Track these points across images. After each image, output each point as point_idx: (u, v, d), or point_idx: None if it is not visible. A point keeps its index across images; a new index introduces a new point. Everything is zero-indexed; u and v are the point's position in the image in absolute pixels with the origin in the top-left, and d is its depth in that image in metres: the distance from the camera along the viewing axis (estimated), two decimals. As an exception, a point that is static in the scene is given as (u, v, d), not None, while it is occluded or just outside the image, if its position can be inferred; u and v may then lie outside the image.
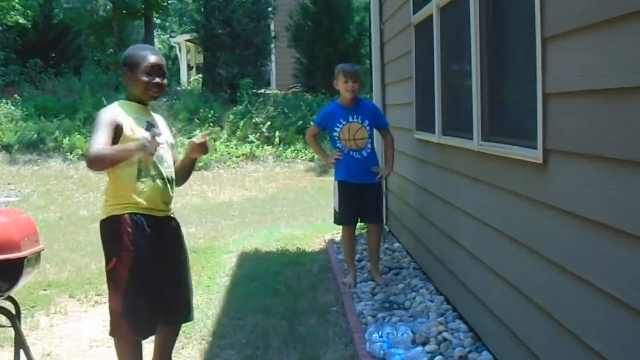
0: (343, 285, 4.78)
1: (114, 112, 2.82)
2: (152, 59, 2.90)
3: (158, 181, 2.88)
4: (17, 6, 18.89)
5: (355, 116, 4.75)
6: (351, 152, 4.78)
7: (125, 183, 2.82)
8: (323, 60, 17.21)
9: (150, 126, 2.90)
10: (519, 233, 2.93)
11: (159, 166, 2.90)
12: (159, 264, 2.90)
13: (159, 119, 3.08)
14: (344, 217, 4.90)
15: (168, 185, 2.95)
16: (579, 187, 2.32)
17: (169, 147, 3.04)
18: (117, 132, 2.75)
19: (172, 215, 3.06)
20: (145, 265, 2.84)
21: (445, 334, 3.66)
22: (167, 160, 2.98)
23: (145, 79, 2.88)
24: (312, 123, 15.95)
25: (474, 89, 3.40)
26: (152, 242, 2.87)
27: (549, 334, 2.61)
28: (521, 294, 2.89)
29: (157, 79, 2.91)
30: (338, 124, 4.77)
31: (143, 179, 2.83)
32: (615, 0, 2.01)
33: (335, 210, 4.98)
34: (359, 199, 4.81)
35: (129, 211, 2.81)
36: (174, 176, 3.02)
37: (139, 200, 2.83)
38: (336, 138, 4.80)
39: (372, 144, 4.86)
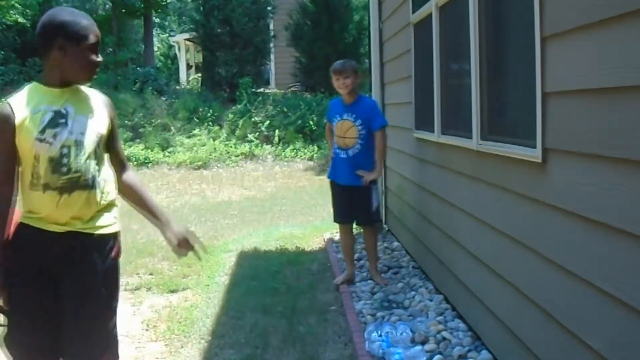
0: (342, 284, 4.78)
1: (8, 111, 2.22)
2: (97, 31, 2.33)
3: (49, 192, 2.26)
4: (17, 5, 18.88)
5: (349, 114, 4.71)
6: (340, 150, 4.76)
7: (23, 188, 2.32)
8: (322, 60, 17.20)
9: (55, 119, 2.26)
10: (518, 232, 2.93)
11: (53, 174, 2.25)
12: (51, 289, 2.32)
13: (94, 98, 2.42)
14: (335, 216, 4.97)
15: (71, 194, 2.28)
16: (579, 186, 2.32)
17: (92, 142, 2.33)
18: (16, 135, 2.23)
19: (87, 232, 2.35)
20: (22, 286, 2.30)
21: (444, 333, 3.66)
22: (77, 162, 2.28)
23: (93, 57, 2.31)
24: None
25: (473, 88, 3.40)
26: (42, 260, 2.31)
27: (548, 333, 2.61)
28: (520, 293, 2.89)
29: (100, 57, 2.35)
30: (335, 119, 4.80)
31: (35, 188, 2.27)
32: (615, -1, 2.01)
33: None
34: (349, 200, 4.80)
35: (22, 220, 2.34)
36: (94, 180, 2.34)
37: (33, 211, 2.32)
38: (334, 133, 4.83)
39: (363, 146, 4.69)
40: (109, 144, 2.44)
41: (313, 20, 17.69)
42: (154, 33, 27.19)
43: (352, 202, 4.79)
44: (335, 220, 5.02)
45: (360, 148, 4.69)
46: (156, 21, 31.08)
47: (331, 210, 5.06)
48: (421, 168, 5.00)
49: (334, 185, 4.88)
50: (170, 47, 28.71)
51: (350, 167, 4.72)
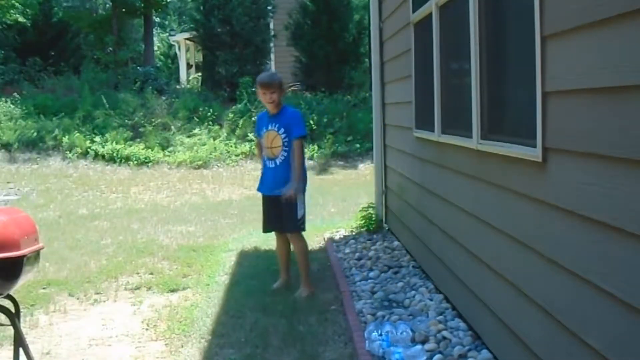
0: (343, 283, 4.78)
1: None
2: None
3: None
4: (17, 4, 18.90)
5: (273, 124, 4.72)
6: (267, 161, 4.78)
7: None
8: (322, 59, 17.21)
9: None
10: (518, 231, 2.93)
11: None
12: None
13: None
14: (263, 226, 4.97)
15: None
16: (579, 186, 2.32)
17: None
18: None
19: None
20: None
21: (444, 333, 3.66)
22: None
23: None
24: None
25: (474, 88, 3.40)
26: None
27: (548, 333, 2.61)
28: (520, 293, 2.89)
29: None
30: (261, 132, 4.82)
31: None
32: (615, -2, 2.01)
33: None
34: (276, 209, 4.76)
35: None
36: None
37: None
38: (263, 147, 4.83)
39: (287, 153, 4.66)
40: None
41: (313, 20, 17.68)
42: (154, 32, 27.17)
43: (278, 210, 4.74)
44: (263, 231, 5.02)
45: (286, 156, 4.68)
46: (156, 20, 31.07)
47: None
48: (421, 167, 5.00)
49: (263, 197, 4.89)
50: (171, 46, 28.71)
51: (275, 176, 4.71)
